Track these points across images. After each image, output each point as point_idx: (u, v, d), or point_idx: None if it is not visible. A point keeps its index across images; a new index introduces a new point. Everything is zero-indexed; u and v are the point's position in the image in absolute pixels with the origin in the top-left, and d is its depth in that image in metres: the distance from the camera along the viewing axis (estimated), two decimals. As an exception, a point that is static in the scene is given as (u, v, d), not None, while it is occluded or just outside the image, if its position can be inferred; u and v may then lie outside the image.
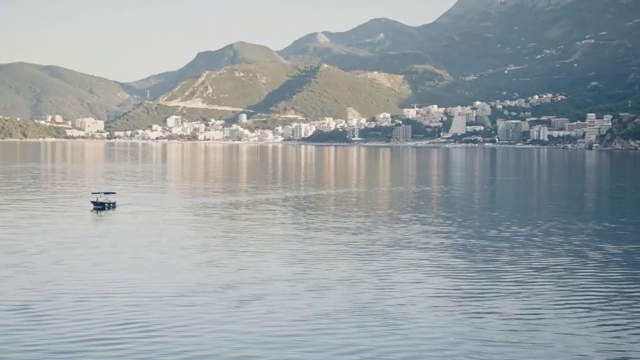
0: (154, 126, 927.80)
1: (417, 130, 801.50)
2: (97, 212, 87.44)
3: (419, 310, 41.23)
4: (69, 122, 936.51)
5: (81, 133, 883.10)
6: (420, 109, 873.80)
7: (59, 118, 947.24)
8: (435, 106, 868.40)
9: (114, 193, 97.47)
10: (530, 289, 47.03)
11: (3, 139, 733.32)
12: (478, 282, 49.25)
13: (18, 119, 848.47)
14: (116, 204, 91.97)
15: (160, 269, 52.32)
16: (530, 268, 54.07)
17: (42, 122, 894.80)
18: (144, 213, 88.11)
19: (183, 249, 61.18)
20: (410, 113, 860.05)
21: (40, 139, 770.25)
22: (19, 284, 46.24)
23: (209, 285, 46.58)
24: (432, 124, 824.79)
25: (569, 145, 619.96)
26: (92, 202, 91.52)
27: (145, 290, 45.16)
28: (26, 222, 77.70)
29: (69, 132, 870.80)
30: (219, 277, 49.40)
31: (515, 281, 49.38)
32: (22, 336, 35.53)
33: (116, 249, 60.73)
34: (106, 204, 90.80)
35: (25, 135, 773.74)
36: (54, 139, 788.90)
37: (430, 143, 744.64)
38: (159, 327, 37.10)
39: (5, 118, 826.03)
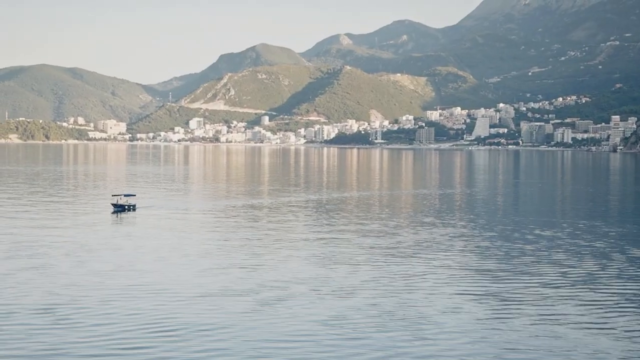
0: (176, 128, 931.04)
1: (440, 132, 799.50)
2: (116, 215, 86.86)
3: (443, 313, 40.89)
4: (91, 124, 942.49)
5: (103, 135, 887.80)
6: (444, 111, 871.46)
7: (81, 120, 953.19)
8: (459, 108, 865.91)
9: (134, 195, 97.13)
10: (554, 292, 46.47)
11: (25, 141, 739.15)
12: (502, 285, 48.62)
13: (40, 121, 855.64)
14: (136, 206, 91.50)
15: (182, 272, 52.03)
16: (555, 271, 53.48)
17: (65, 124, 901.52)
18: (164, 215, 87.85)
19: (205, 251, 60.95)
20: (433, 115, 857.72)
21: (63, 141, 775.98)
22: (43, 286, 46.15)
23: (232, 288, 46.33)
24: (455, 126, 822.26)
25: (593, 148, 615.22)
26: (112, 204, 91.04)
27: (168, 293, 44.98)
28: (48, 224, 77.82)
29: (91, 134, 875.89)
30: (242, 279, 49.14)
31: (540, 284, 48.78)
32: (46, 338, 35.45)
33: (137, 251, 60.57)
34: (126, 206, 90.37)
35: (47, 138, 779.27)
36: (76, 141, 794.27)
37: (453, 145, 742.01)
38: (181, 329, 36.96)
39: (28, 120, 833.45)
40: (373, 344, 35.23)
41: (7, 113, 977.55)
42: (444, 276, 51.20)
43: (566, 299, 44.53)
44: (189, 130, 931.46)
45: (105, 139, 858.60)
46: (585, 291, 47.01)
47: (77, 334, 36.17)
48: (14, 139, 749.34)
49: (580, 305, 43.12)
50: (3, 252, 58.61)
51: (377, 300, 43.50)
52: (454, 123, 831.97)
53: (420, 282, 48.99)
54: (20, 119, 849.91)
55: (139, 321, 38.28)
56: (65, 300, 42.57)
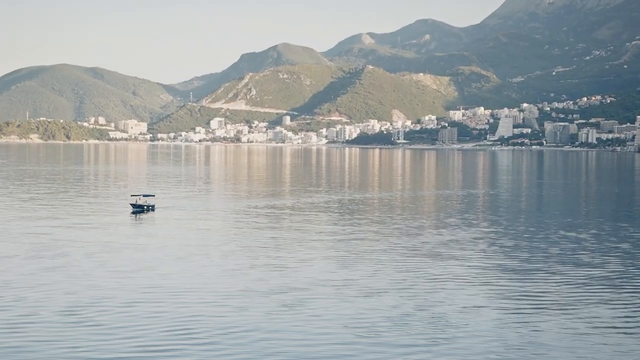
0: (197, 128, 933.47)
1: (463, 132, 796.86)
2: (135, 216, 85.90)
3: (467, 315, 40.43)
4: (112, 124, 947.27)
5: (124, 135, 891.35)
6: (466, 111, 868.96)
7: (102, 120, 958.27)
8: (482, 108, 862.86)
9: (153, 195, 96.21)
10: (579, 293, 46.02)
11: (46, 141, 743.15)
12: (526, 286, 47.91)
13: (61, 120, 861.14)
14: (155, 207, 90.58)
15: (204, 273, 51.73)
16: (579, 272, 52.87)
17: (85, 124, 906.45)
18: (183, 216, 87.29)
19: (226, 252, 60.61)
20: (456, 115, 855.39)
21: (83, 141, 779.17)
22: (65, 287, 46.04)
23: (255, 289, 46.00)
24: (478, 126, 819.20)
25: (618, 148, 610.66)
26: (131, 204, 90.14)
27: (190, 294, 44.71)
28: (68, 224, 77.71)
29: (111, 134, 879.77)
30: (265, 280, 48.81)
31: (564, 285, 48.20)
32: (69, 339, 35.29)
33: (158, 252, 60.18)
34: (145, 207, 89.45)
35: (68, 137, 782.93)
36: (97, 141, 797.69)
37: (476, 145, 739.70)
38: (205, 331, 36.80)
39: (49, 120, 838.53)
40: (397, 344, 34.87)
41: (28, 113, 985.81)
42: (467, 277, 50.64)
43: (591, 300, 43.96)
44: (210, 130, 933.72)
45: (126, 139, 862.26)
46: (610, 292, 46.39)
47: (100, 335, 35.92)
48: (34, 139, 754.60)
49: (606, 307, 42.44)
50: (25, 252, 58.56)
51: (401, 301, 43.06)
52: (477, 123, 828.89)
53: (444, 283, 48.50)
54: (41, 118, 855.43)
55: (163, 323, 38.05)
56: (87, 301, 42.38)
